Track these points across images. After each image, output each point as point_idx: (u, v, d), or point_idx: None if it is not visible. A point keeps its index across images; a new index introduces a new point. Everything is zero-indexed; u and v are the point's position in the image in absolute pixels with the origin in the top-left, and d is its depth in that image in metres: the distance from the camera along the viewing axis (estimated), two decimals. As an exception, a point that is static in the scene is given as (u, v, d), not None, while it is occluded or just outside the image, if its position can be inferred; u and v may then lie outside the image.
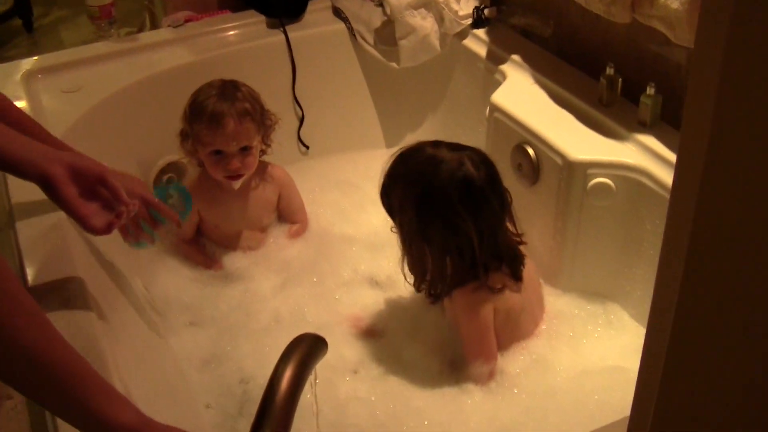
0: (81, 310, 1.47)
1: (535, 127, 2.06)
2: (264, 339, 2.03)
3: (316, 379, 1.31)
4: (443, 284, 1.87)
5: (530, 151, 2.06)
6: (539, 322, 2.03)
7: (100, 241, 1.78)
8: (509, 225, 1.89)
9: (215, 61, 2.51)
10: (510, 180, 2.00)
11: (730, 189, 0.63)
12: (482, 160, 1.83)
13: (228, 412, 1.81)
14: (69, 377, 1.12)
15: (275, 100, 2.34)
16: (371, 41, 2.63)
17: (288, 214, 2.43)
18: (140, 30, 3.10)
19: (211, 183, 2.27)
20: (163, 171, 2.44)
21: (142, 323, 1.86)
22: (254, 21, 2.66)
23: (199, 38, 2.58)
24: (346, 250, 2.35)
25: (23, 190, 1.61)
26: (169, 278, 2.23)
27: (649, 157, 1.91)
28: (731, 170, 0.62)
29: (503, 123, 2.14)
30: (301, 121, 2.68)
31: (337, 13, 2.71)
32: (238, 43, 2.61)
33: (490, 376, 1.90)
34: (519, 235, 1.91)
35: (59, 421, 1.28)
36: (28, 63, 2.41)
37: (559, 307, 2.10)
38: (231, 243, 2.35)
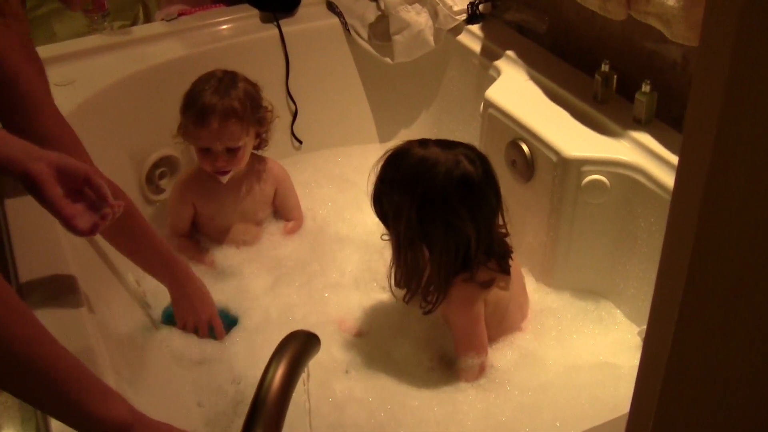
0: (72, 304, 1.47)
1: (530, 123, 2.05)
2: (254, 336, 2.02)
3: (308, 377, 1.30)
4: (439, 288, 1.84)
5: (524, 147, 2.06)
6: (526, 314, 2.03)
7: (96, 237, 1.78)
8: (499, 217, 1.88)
9: (209, 55, 2.50)
10: (504, 176, 2.00)
11: (735, 189, 0.63)
12: (476, 155, 1.81)
13: (220, 410, 1.80)
14: (59, 375, 1.11)
15: (269, 94, 2.33)
16: (365, 36, 2.63)
17: (283, 210, 2.42)
18: (134, 23, 3.08)
19: (206, 175, 2.26)
20: (155, 165, 2.43)
21: (133, 319, 1.86)
22: (248, 15, 2.65)
23: (192, 32, 2.57)
24: (339, 249, 2.34)
25: (15, 184, 1.60)
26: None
27: (644, 154, 1.91)
28: (736, 170, 0.62)
29: (497, 119, 2.13)
30: (295, 115, 2.67)
31: (331, 7, 2.70)
32: (232, 37, 2.60)
33: (481, 370, 1.90)
34: (504, 226, 1.90)
35: (49, 417, 1.27)
36: (19, 56, 2.39)
37: (551, 303, 2.10)
38: (225, 237, 2.34)
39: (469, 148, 1.83)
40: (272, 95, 2.41)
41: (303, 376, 1.14)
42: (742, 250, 0.66)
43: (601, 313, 2.06)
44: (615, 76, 2.05)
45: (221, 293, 2.14)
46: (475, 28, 2.51)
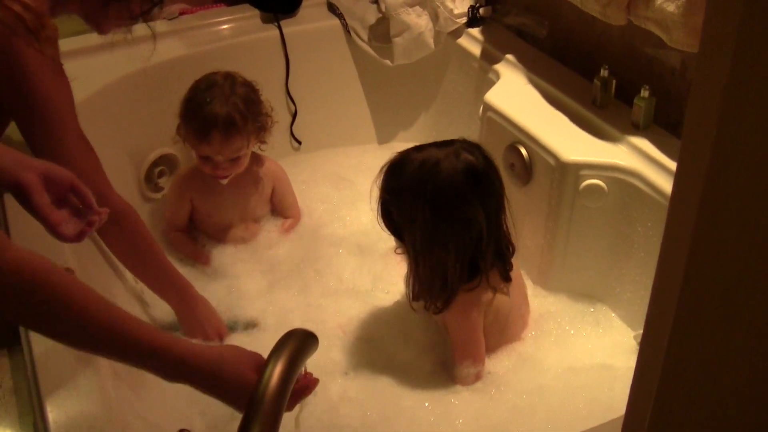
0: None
1: (529, 127, 2.06)
2: (246, 338, 2.02)
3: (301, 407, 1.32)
4: (454, 287, 1.82)
5: (523, 151, 2.06)
6: (527, 323, 2.03)
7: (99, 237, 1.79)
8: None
9: (209, 54, 2.51)
10: (502, 180, 2.00)
11: (733, 194, 0.63)
12: (472, 145, 1.81)
13: (219, 413, 1.80)
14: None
15: (268, 94, 2.34)
16: (365, 38, 2.63)
17: (281, 208, 2.43)
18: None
19: (204, 173, 2.27)
20: (155, 164, 2.44)
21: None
22: (249, 15, 2.65)
23: (193, 31, 2.58)
24: (335, 250, 2.35)
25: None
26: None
27: (642, 159, 1.91)
28: (734, 175, 0.62)
29: (496, 122, 2.14)
30: (294, 116, 2.68)
31: (332, 9, 2.71)
32: (233, 36, 2.60)
33: (477, 378, 1.91)
34: (507, 224, 1.89)
35: (47, 408, 1.28)
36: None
37: (547, 306, 2.10)
38: (222, 234, 2.35)
39: (463, 141, 1.83)
40: (272, 95, 2.42)
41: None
42: (738, 255, 0.67)
43: (598, 317, 2.07)
44: (614, 81, 2.06)
45: (215, 293, 2.15)
46: (475, 31, 2.52)
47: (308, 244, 2.37)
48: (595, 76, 2.07)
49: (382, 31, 2.59)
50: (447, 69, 2.62)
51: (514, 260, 1.96)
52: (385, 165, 1.84)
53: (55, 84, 1.69)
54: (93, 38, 2.47)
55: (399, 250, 1.90)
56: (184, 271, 2.23)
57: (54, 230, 1.34)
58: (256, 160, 2.35)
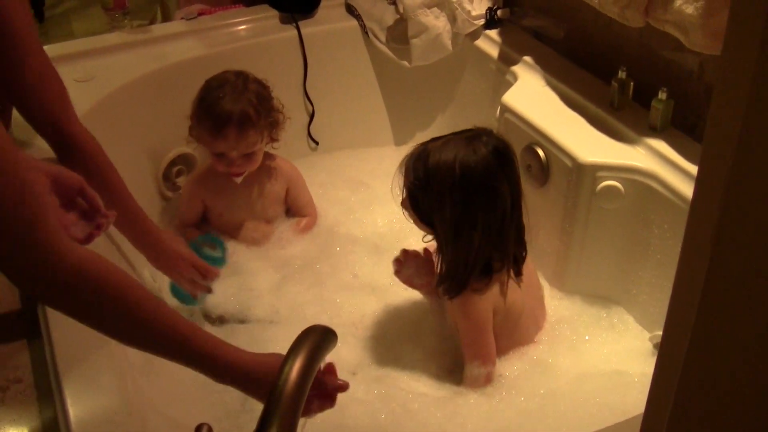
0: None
1: (546, 128, 2.07)
2: (262, 334, 2.03)
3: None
4: (477, 265, 1.82)
5: (540, 152, 2.07)
6: (542, 326, 2.03)
7: (110, 230, 1.80)
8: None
9: (227, 54, 2.52)
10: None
11: (755, 198, 0.63)
12: (486, 130, 1.84)
13: (229, 406, 1.81)
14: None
15: (286, 95, 2.35)
16: (383, 39, 2.64)
17: (296, 208, 2.44)
18: (151, 22, 3.11)
19: (218, 171, 2.28)
20: (172, 163, 2.45)
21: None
22: (267, 16, 2.67)
23: (211, 32, 2.59)
24: (350, 251, 2.36)
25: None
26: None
27: (659, 161, 1.91)
28: (756, 178, 0.62)
29: (513, 124, 2.15)
30: (312, 116, 2.69)
31: (350, 10, 2.72)
32: (251, 37, 2.61)
33: (487, 380, 1.90)
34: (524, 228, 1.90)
35: (67, 404, 1.30)
36: (41, 51, 2.41)
37: (562, 309, 2.10)
38: (235, 234, 2.36)
39: (475, 128, 1.85)
40: (290, 96, 2.43)
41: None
42: (760, 259, 0.67)
43: (613, 320, 2.07)
44: (632, 83, 2.06)
45: (228, 290, 2.16)
46: (492, 33, 2.53)
47: (323, 243, 2.38)
48: (613, 78, 2.08)
49: (400, 33, 2.60)
50: (464, 70, 2.62)
51: (531, 264, 1.98)
52: (408, 155, 1.86)
53: (14, 3, 1.62)
54: (112, 38, 2.50)
55: (427, 238, 1.90)
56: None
57: None
58: (269, 159, 2.36)
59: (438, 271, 1.88)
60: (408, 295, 2.14)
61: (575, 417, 1.78)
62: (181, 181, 2.47)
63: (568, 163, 1.99)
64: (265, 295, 2.18)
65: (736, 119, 0.60)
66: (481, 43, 2.53)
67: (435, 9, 2.53)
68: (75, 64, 2.36)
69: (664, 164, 1.90)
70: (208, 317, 2.11)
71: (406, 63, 2.62)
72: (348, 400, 1.82)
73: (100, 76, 2.31)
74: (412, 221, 1.91)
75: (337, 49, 2.68)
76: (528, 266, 1.95)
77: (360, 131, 2.78)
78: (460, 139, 1.80)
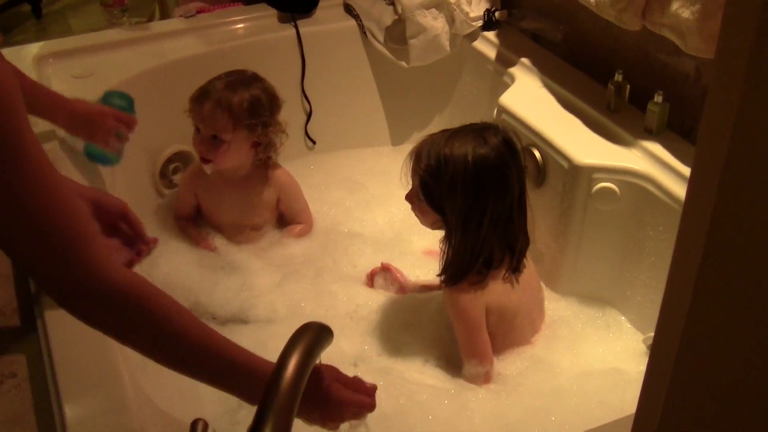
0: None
1: (542, 130, 2.08)
2: (261, 331, 2.03)
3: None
4: (483, 255, 1.86)
5: (536, 153, 2.08)
6: (538, 328, 2.04)
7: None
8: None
9: (225, 52, 2.53)
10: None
11: (746, 200, 0.64)
12: (496, 125, 1.89)
13: (227, 402, 1.81)
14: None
15: (284, 94, 2.35)
16: (381, 39, 2.65)
17: (290, 216, 2.42)
18: (150, 19, 3.11)
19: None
20: (169, 160, 2.46)
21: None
22: (266, 14, 2.67)
23: (210, 29, 2.60)
24: (349, 247, 2.36)
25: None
26: (171, 262, 2.23)
27: (655, 164, 1.92)
28: (748, 180, 0.63)
29: (510, 125, 2.15)
30: (309, 116, 2.69)
31: (349, 10, 2.73)
32: (249, 36, 2.62)
33: (487, 379, 1.91)
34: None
35: (63, 399, 1.30)
36: (38, 47, 2.42)
37: (558, 310, 2.11)
38: (222, 232, 2.38)
39: (481, 123, 1.90)
40: (287, 95, 2.43)
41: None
42: (751, 261, 0.67)
43: (608, 321, 2.08)
44: (628, 86, 2.07)
45: (227, 288, 2.16)
46: (490, 34, 2.54)
47: (321, 242, 2.39)
48: (610, 81, 2.09)
49: (398, 33, 2.61)
50: (462, 71, 2.63)
51: (533, 266, 2.00)
52: (419, 144, 1.89)
53: None
54: (109, 35, 2.51)
55: (437, 224, 1.91)
56: (193, 256, 2.25)
57: None
58: (264, 167, 2.34)
59: (443, 259, 1.90)
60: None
61: (579, 414, 1.79)
62: (177, 178, 2.48)
63: (565, 164, 2.00)
64: (265, 294, 2.18)
65: (728, 122, 0.61)
66: (479, 44, 2.54)
67: (433, 10, 2.54)
68: (73, 60, 2.37)
69: (659, 167, 1.91)
70: (215, 317, 2.11)
71: (404, 63, 2.63)
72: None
73: (98, 72, 2.32)
74: (417, 214, 1.93)
75: (335, 48, 2.68)
76: (530, 268, 1.97)
77: (357, 131, 2.79)
78: (470, 130, 1.85)
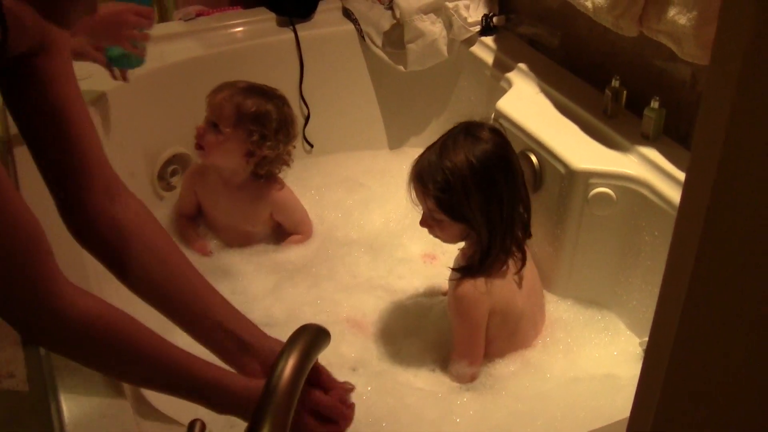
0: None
1: (539, 135, 2.08)
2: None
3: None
4: (508, 237, 1.89)
5: (533, 158, 2.08)
6: (539, 332, 2.05)
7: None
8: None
9: (224, 56, 2.53)
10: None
11: (739, 205, 0.64)
12: (473, 120, 1.93)
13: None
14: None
15: (282, 97, 2.36)
16: (379, 43, 2.65)
17: (289, 227, 2.43)
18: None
19: (214, 170, 2.30)
20: (168, 162, 2.46)
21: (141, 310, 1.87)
22: (265, 18, 2.68)
23: (209, 33, 2.60)
24: (347, 252, 2.37)
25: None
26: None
27: (651, 169, 1.93)
28: (740, 186, 0.63)
29: (507, 130, 2.15)
30: (307, 119, 2.70)
31: (347, 14, 2.73)
32: (248, 39, 2.63)
33: (472, 378, 1.94)
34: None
35: (61, 399, 1.30)
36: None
37: (554, 313, 2.12)
38: (219, 234, 2.39)
39: (457, 124, 1.92)
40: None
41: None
42: (743, 264, 0.68)
43: (604, 325, 2.08)
44: (625, 92, 2.08)
45: (220, 291, 2.16)
46: (488, 39, 2.54)
47: (320, 245, 2.39)
48: (606, 87, 2.09)
49: (396, 37, 2.62)
50: (459, 76, 2.64)
51: (535, 270, 2.02)
52: (414, 172, 1.90)
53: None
54: (110, 37, 2.50)
55: (462, 235, 1.92)
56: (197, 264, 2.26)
57: None
58: (260, 179, 2.34)
59: (467, 257, 1.92)
60: (406, 291, 2.18)
61: (565, 420, 1.80)
62: (176, 180, 2.48)
63: (561, 169, 2.00)
64: (261, 298, 2.18)
65: (721, 127, 0.61)
66: (476, 49, 2.55)
67: (431, 15, 2.55)
68: (72, 62, 2.36)
69: (655, 172, 1.92)
70: None
71: (401, 68, 2.63)
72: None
73: (97, 74, 2.31)
74: (438, 234, 1.94)
75: (333, 52, 2.69)
76: (532, 272, 1.99)
77: (354, 134, 2.80)
78: (458, 135, 1.88)
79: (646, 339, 2.00)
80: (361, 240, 2.41)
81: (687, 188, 0.67)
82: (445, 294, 2.03)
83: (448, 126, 1.99)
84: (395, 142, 2.84)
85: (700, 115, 0.64)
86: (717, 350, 0.73)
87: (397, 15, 2.57)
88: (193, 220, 2.39)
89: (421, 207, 1.92)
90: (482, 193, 1.83)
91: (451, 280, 1.93)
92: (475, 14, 2.56)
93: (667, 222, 1.87)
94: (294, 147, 2.35)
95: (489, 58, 2.49)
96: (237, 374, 1.32)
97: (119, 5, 1.98)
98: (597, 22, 2.02)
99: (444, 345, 2.01)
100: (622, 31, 1.94)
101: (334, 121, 2.75)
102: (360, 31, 2.68)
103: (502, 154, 1.85)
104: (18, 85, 1.26)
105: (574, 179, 1.98)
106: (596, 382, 1.91)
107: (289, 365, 1.09)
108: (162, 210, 2.42)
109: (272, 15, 2.68)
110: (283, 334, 1.21)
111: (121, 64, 2.06)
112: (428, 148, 1.91)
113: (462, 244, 1.96)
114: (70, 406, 1.31)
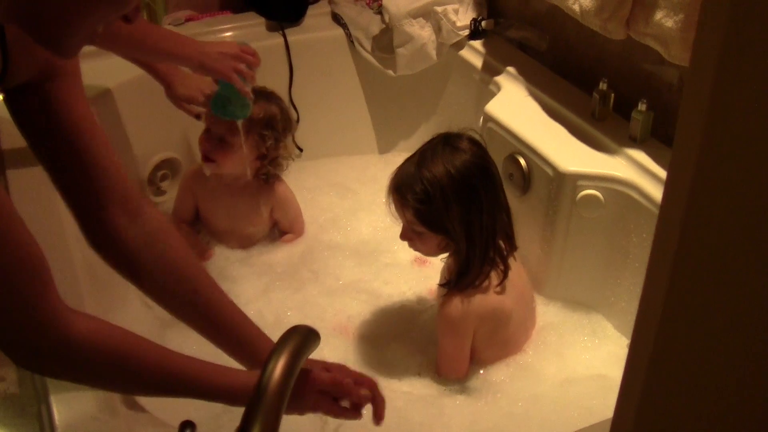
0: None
1: (528, 138, 2.09)
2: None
3: None
4: (489, 248, 1.89)
5: (522, 161, 2.09)
6: (529, 336, 2.06)
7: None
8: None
9: (214, 60, 2.53)
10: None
11: (718, 203, 0.65)
12: (450, 131, 1.93)
13: (214, 406, 1.82)
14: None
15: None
16: (369, 48, 2.66)
17: (284, 224, 2.45)
18: (138, 28, 3.11)
19: (213, 173, 2.31)
20: (157, 167, 2.46)
21: (138, 313, 1.88)
22: (254, 23, 2.68)
23: (199, 37, 2.56)
24: (332, 257, 2.38)
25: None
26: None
27: (639, 171, 1.94)
28: (719, 184, 0.64)
29: (496, 133, 2.17)
30: (296, 123, 2.70)
31: (336, 18, 2.74)
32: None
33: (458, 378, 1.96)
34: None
35: (52, 402, 1.31)
36: (28, 54, 2.41)
37: (543, 316, 2.13)
38: (216, 237, 2.39)
39: (435, 135, 1.92)
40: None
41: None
42: (722, 262, 0.69)
43: (593, 326, 2.09)
44: (612, 95, 2.09)
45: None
46: (477, 43, 2.55)
47: (304, 250, 2.40)
48: (594, 90, 2.11)
49: (386, 42, 2.62)
50: (449, 80, 2.65)
51: (525, 275, 2.03)
52: (393, 184, 1.90)
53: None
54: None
55: (442, 247, 1.92)
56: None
57: None
58: (264, 181, 2.36)
59: (452, 271, 1.92)
60: (392, 296, 2.18)
61: (558, 421, 1.80)
62: (165, 185, 2.49)
63: (550, 172, 2.01)
64: (253, 301, 2.19)
65: (698, 128, 0.62)
66: (465, 53, 2.56)
67: (420, 19, 2.55)
68: (62, 67, 2.36)
69: (643, 174, 1.93)
70: None
71: (391, 72, 2.64)
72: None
73: (86, 79, 2.29)
74: (419, 247, 1.94)
75: (322, 57, 2.70)
76: (522, 277, 1.99)
77: (344, 139, 2.80)
78: (437, 145, 1.87)
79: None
80: (349, 244, 2.42)
81: (668, 187, 0.68)
82: (434, 299, 2.03)
83: (438, 130, 2.01)
84: (385, 146, 2.84)
85: (680, 115, 0.65)
86: (697, 347, 0.74)
87: (386, 19, 2.57)
88: (192, 225, 2.40)
89: (400, 219, 1.92)
90: (462, 204, 1.82)
91: (439, 296, 1.94)
92: (463, 18, 2.57)
93: (654, 223, 1.87)
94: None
95: (478, 61, 2.50)
96: (238, 370, 1.33)
97: (228, 43, 2.08)
98: (585, 26, 2.03)
99: (430, 348, 2.01)
100: (609, 34, 1.95)
101: (324, 126, 2.75)
102: (349, 36, 2.69)
103: (481, 164, 1.85)
104: (30, 110, 1.28)
105: (562, 182, 1.99)
106: (588, 382, 1.92)
107: (279, 365, 1.10)
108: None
109: (262, 20, 2.69)
110: (272, 337, 1.22)
111: (230, 114, 2.10)
112: (407, 160, 1.91)
113: (445, 256, 1.96)
114: (60, 409, 1.31)
